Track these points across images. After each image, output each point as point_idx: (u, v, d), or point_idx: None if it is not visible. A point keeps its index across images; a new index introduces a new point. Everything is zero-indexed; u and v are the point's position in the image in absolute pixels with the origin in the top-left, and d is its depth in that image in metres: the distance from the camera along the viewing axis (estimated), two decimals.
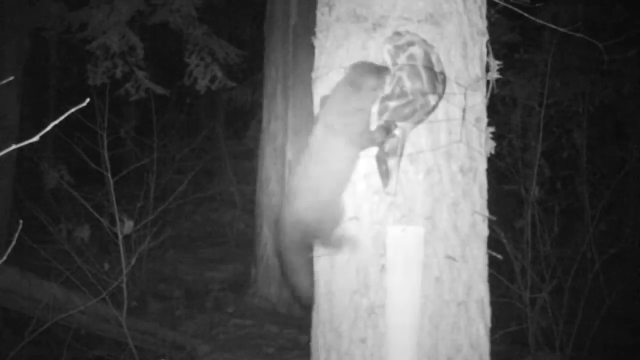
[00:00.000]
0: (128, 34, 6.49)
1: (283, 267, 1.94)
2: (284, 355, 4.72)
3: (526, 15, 2.28)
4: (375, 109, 1.82)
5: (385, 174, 1.80)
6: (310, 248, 1.91)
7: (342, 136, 1.78)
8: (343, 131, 1.78)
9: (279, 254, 1.93)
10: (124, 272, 3.91)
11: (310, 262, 1.94)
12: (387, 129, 1.78)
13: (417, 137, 1.82)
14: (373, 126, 1.80)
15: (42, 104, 9.47)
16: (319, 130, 1.82)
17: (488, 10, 2.01)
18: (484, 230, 1.92)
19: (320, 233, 1.84)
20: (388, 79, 1.78)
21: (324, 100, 1.87)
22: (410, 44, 1.80)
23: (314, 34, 2.03)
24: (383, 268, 1.81)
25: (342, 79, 1.82)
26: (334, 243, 1.85)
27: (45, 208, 5.99)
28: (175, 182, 7.03)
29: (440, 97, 1.80)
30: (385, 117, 1.80)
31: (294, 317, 5.30)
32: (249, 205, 7.32)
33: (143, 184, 5.89)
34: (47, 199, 6.86)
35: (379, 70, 1.78)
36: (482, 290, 1.90)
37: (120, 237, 4.06)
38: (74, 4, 6.64)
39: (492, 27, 2.03)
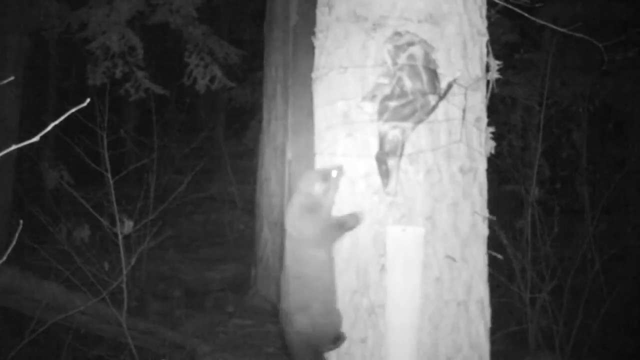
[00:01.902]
0: (128, 34, 6.49)
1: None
2: (284, 355, 4.72)
3: (526, 15, 2.28)
4: (374, 109, 1.82)
5: (385, 174, 1.80)
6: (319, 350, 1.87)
7: (305, 243, 1.81)
8: (305, 238, 1.82)
9: (293, 350, 1.89)
10: (124, 272, 3.91)
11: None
12: (356, 216, 1.80)
13: (417, 137, 1.82)
14: (342, 212, 1.82)
15: (42, 104, 9.47)
16: (287, 245, 1.86)
17: (488, 10, 2.01)
18: (484, 230, 1.92)
19: (322, 341, 1.82)
20: (339, 178, 1.82)
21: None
22: (410, 44, 1.80)
23: (314, 34, 2.03)
24: (383, 268, 1.81)
25: (295, 191, 1.86)
26: (337, 343, 1.84)
27: (45, 208, 5.99)
28: (175, 182, 7.03)
29: (440, 97, 1.80)
30: (385, 117, 1.80)
31: None
32: (249, 205, 7.32)
33: (143, 184, 5.89)
34: (47, 199, 6.86)
35: (325, 175, 1.82)
36: (482, 290, 1.90)
37: (120, 237, 4.06)
38: (74, 4, 6.64)
39: (492, 27, 2.03)
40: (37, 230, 5.27)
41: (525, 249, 4.59)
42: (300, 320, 1.81)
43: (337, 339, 1.82)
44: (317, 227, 1.81)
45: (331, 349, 1.85)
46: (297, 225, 1.84)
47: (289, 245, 1.86)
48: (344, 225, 1.81)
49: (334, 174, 1.82)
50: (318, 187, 1.81)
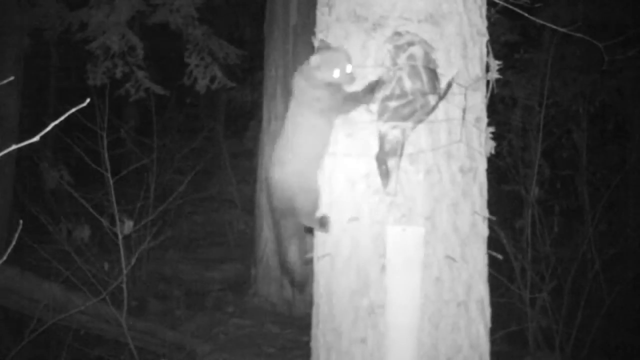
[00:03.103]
0: (128, 34, 6.49)
1: (276, 239, 2.00)
2: (284, 355, 4.72)
3: (526, 15, 2.28)
4: (374, 109, 1.82)
5: (385, 174, 1.80)
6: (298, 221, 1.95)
7: (309, 108, 1.85)
8: (310, 104, 1.84)
9: (273, 221, 2.00)
10: (124, 272, 3.91)
11: (300, 230, 1.97)
12: (372, 86, 1.81)
13: (417, 137, 1.82)
14: (357, 87, 1.83)
15: (42, 104, 9.47)
16: (292, 102, 1.90)
17: (488, 10, 2.01)
18: (484, 230, 1.92)
19: (302, 204, 1.88)
20: (349, 66, 1.82)
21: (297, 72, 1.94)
22: (410, 44, 1.80)
23: (314, 34, 2.03)
24: (383, 268, 1.81)
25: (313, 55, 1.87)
26: (316, 221, 1.89)
27: (45, 208, 5.99)
28: (175, 182, 7.02)
29: (440, 97, 1.80)
30: (385, 117, 1.80)
31: (294, 317, 5.29)
32: (249, 205, 7.31)
33: (143, 184, 5.89)
34: (47, 199, 6.86)
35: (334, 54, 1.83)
36: (482, 290, 1.90)
37: (120, 237, 4.05)
38: (74, 4, 6.63)
39: (492, 27, 2.03)
40: (37, 230, 5.27)
41: (525, 249, 4.59)
42: (275, 173, 1.88)
43: (321, 221, 1.87)
44: (325, 99, 1.83)
45: (311, 223, 1.90)
46: (306, 91, 1.86)
47: (293, 107, 1.89)
48: (359, 98, 1.82)
49: (349, 68, 1.81)
50: (316, 61, 1.82)
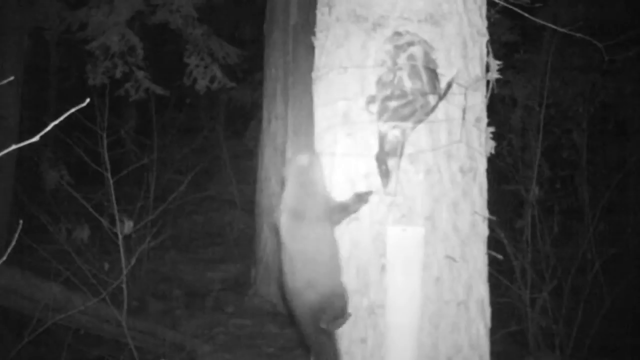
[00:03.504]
0: (128, 34, 6.49)
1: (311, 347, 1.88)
2: (284, 355, 4.72)
3: (526, 15, 2.28)
4: (374, 109, 1.82)
5: (385, 174, 1.80)
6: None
7: (306, 221, 1.81)
8: (304, 216, 1.81)
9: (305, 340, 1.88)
10: (124, 272, 3.90)
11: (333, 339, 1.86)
12: (361, 197, 1.80)
13: (417, 137, 1.82)
14: (346, 196, 1.82)
15: (42, 104, 9.46)
16: (284, 224, 1.84)
17: (488, 10, 2.01)
18: (484, 230, 1.92)
19: (330, 313, 1.80)
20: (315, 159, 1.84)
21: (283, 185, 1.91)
22: (410, 44, 1.80)
23: (314, 34, 2.03)
24: (383, 268, 1.81)
25: (287, 182, 1.87)
26: (343, 319, 1.82)
27: (45, 208, 5.99)
28: (175, 182, 7.02)
29: (440, 97, 1.80)
30: (385, 117, 1.80)
31: None
32: (249, 205, 7.30)
33: (143, 184, 5.89)
34: (47, 199, 6.85)
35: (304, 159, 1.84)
36: (482, 290, 1.90)
37: (120, 237, 4.05)
38: (74, 4, 6.63)
39: (492, 27, 2.03)
40: (37, 230, 5.27)
41: (525, 249, 4.59)
42: (309, 296, 1.78)
43: (344, 312, 1.81)
44: (316, 206, 1.81)
45: (341, 324, 1.82)
46: (296, 204, 1.84)
47: (287, 224, 1.84)
48: (348, 208, 1.81)
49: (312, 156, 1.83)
50: (305, 160, 1.84)
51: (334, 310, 1.79)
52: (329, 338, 1.83)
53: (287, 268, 1.83)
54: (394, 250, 1.78)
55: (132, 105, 8.58)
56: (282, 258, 1.85)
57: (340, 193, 1.88)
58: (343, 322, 1.82)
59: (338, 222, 1.82)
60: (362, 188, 1.85)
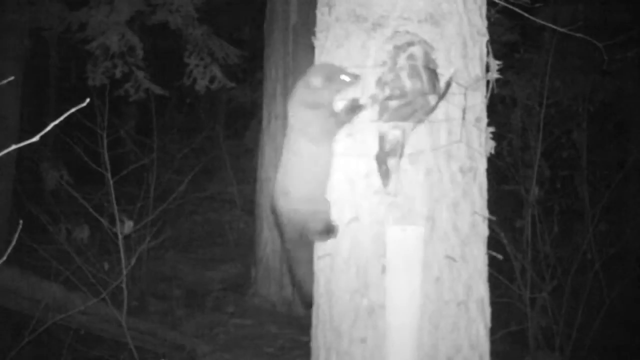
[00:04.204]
0: (128, 34, 6.48)
1: (289, 265, 2.03)
2: (284, 355, 4.72)
3: (526, 15, 2.28)
4: (375, 109, 1.82)
5: (385, 174, 1.80)
6: (310, 242, 1.95)
7: (304, 135, 1.85)
8: (303, 130, 1.85)
9: (284, 252, 2.02)
10: (124, 272, 3.91)
11: (311, 253, 1.98)
12: (352, 108, 1.82)
13: (417, 137, 1.82)
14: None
15: (42, 104, 9.46)
16: (287, 131, 1.91)
17: (488, 10, 2.01)
18: (484, 230, 1.92)
19: (313, 225, 1.89)
20: (345, 80, 1.82)
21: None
22: (410, 44, 1.80)
23: (314, 34, 2.03)
24: (383, 268, 1.81)
25: (299, 80, 1.89)
26: (325, 233, 1.89)
27: (45, 208, 5.99)
28: (175, 182, 7.02)
29: (440, 97, 1.80)
30: (385, 117, 1.80)
31: (294, 317, 5.29)
32: (249, 205, 7.31)
33: (143, 184, 5.89)
34: (47, 199, 6.85)
35: (331, 72, 1.83)
36: (482, 290, 1.90)
37: (120, 237, 4.05)
38: (74, 4, 6.62)
39: (492, 27, 2.03)
40: (37, 230, 5.27)
41: (525, 249, 4.59)
42: (282, 204, 1.90)
43: (328, 230, 1.87)
44: (315, 122, 1.85)
45: (323, 239, 1.90)
46: (295, 116, 1.88)
47: (288, 134, 1.90)
48: (340, 121, 1.84)
49: (344, 77, 1.82)
50: (317, 81, 1.83)
51: (312, 224, 1.88)
52: (307, 249, 1.94)
53: (282, 170, 1.92)
54: (394, 250, 1.78)
55: (132, 105, 8.57)
56: (280, 165, 1.93)
57: (340, 193, 1.88)
58: (328, 235, 1.89)
59: (333, 134, 1.86)
60: (362, 188, 1.85)
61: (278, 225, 1.97)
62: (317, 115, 1.84)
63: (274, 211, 1.97)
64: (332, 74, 1.83)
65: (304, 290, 2.02)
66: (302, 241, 1.94)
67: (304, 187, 1.88)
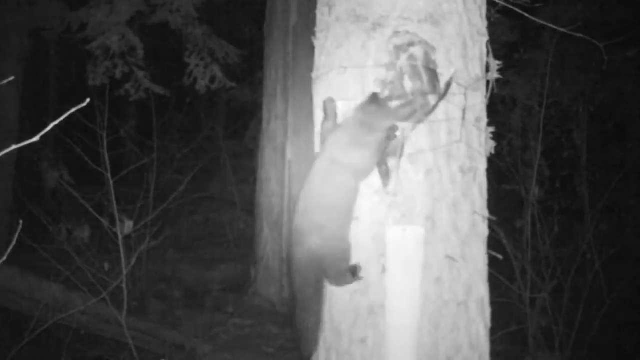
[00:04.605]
0: (128, 34, 6.49)
1: (295, 314, 1.85)
2: (284, 355, 4.72)
3: (526, 15, 2.28)
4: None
5: (385, 174, 1.80)
6: (323, 285, 1.84)
7: (347, 170, 1.77)
8: (349, 166, 1.77)
9: (291, 301, 1.86)
10: (124, 272, 3.90)
11: (320, 303, 1.86)
12: (390, 134, 1.78)
13: (417, 137, 1.83)
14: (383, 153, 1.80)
15: (42, 104, 9.46)
16: (323, 164, 1.80)
17: (488, 10, 2.01)
18: (484, 230, 1.92)
19: (332, 269, 1.79)
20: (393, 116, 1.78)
21: (328, 132, 1.84)
22: (411, 44, 1.80)
23: (314, 34, 2.03)
24: (383, 268, 1.81)
25: (352, 117, 1.80)
26: (345, 278, 1.81)
27: (45, 208, 5.99)
28: (175, 182, 7.02)
29: (440, 97, 1.80)
30: None
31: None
32: (249, 205, 7.31)
33: (143, 184, 5.89)
34: (47, 199, 6.86)
35: (389, 112, 1.77)
36: (482, 290, 1.90)
37: (120, 237, 4.05)
38: (74, 4, 6.63)
39: (492, 27, 2.03)
40: (37, 230, 5.27)
41: (525, 249, 4.59)
42: (314, 240, 1.76)
43: (351, 271, 1.79)
44: (364, 160, 1.78)
45: (345, 281, 1.81)
46: (345, 152, 1.78)
47: (326, 165, 1.79)
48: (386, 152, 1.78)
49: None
50: (385, 123, 1.76)
51: (335, 263, 1.78)
52: (318, 297, 1.82)
53: (301, 206, 1.80)
54: (394, 250, 1.78)
55: (132, 105, 8.58)
56: (299, 196, 1.82)
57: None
58: (352, 279, 1.81)
59: (366, 176, 1.81)
60: (362, 188, 1.85)
61: (292, 269, 1.82)
62: (367, 153, 1.78)
63: (289, 253, 1.84)
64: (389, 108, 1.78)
65: (308, 340, 1.86)
66: (317, 287, 1.82)
67: (338, 222, 1.79)
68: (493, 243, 2.02)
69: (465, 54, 1.88)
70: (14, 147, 1.45)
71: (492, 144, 1.98)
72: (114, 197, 4.17)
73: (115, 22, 6.34)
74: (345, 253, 1.79)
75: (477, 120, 1.91)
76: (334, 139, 1.81)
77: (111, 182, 4.17)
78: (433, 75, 1.79)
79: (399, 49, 1.80)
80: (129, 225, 4.50)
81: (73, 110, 1.41)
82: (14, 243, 1.72)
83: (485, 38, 1.95)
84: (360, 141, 1.77)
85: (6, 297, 4.47)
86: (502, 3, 2.14)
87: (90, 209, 4.43)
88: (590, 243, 4.78)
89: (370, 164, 1.80)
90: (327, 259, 1.77)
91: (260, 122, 6.09)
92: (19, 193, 6.36)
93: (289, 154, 5.57)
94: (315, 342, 1.85)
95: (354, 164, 1.78)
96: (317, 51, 2.01)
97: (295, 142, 5.55)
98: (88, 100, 1.53)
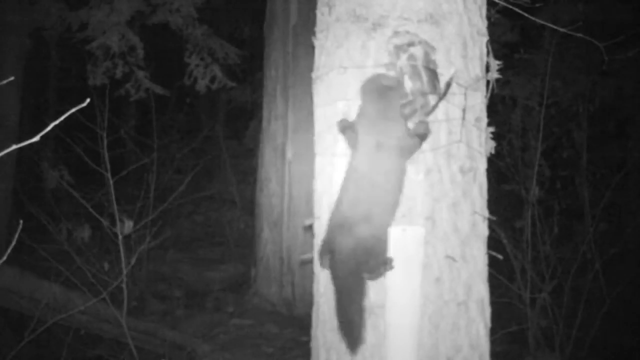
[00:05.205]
0: (128, 34, 6.49)
1: (340, 300, 1.78)
2: (284, 355, 4.72)
3: (526, 15, 2.28)
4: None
5: None
6: (363, 277, 1.77)
7: (394, 150, 1.74)
8: (395, 144, 1.74)
9: (335, 289, 1.78)
10: (124, 272, 3.91)
11: (364, 293, 1.80)
12: (425, 125, 1.77)
13: None
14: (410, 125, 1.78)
15: (42, 104, 9.47)
16: (363, 155, 1.75)
17: (488, 10, 2.01)
18: (484, 230, 1.92)
19: (376, 259, 1.75)
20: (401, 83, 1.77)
21: (348, 126, 1.81)
22: (411, 44, 1.80)
23: (314, 34, 2.03)
24: None
25: (363, 101, 1.78)
26: (381, 269, 1.77)
27: (45, 208, 6.00)
28: (175, 182, 7.03)
29: (440, 97, 1.80)
30: None
31: (294, 317, 5.30)
32: (249, 205, 7.32)
33: (143, 184, 5.89)
34: (47, 199, 6.86)
35: (390, 79, 1.77)
36: (482, 290, 1.90)
37: (120, 237, 4.05)
38: (74, 4, 6.63)
39: (492, 27, 2.03)
40: (37, 230, 5.27)
41: (525, 249, 4.59)
42: (363, 230, 1.71)
43: (388, 262, 1.75)
44: (406, 136, 1.75)
45: (380, 275, 1.76)
46: (386, 132, 1.74)
47: (370, 151, 1.74)
48: (422, 137, 1.76)
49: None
50: (391, 81, 1.74)
51: (377, 255, 1.74)
52: (361, 288, 1.76)
53: (349, 196, 1.74)
54: (394, 250, 1.78)
55: (132, 105, 8.58)
56: (344, 185, 1.76)
57: None
58: (384, 271, 1.76)
59: (412, 152, 1.77)
60: None
61: (335, 259, 1.74)
62: (402, 124, 1.74)
63: (330, 244, 1.75)
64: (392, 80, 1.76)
65: (353, 333, 1.78)
66: (359, 278, 1.75)
67: (388, 211, 1.74)
68: (493, 243, 2.02)
69: (465, 54, 1.88)
70: (14, 147, 1.45)
71: (492, 144, 1.98)
72: (114, 197, 4.17)
73: (115, 22, 6.34)
74: (387, 243, 1.76)
75: (477, 120, 1.91)
76: (362, 128, 1.76)
77: (111, 182, 4.17)
78: (433, 75, 1.79)
79: (399, 49, 1.80)
80: (129, 225, 4.51)
81: (73, 110, 1.41)
82: (14, 243, 1.72)
83: (485, 38, 1.95)
84: (388, 114, 1.74)
85: (6, 297, 4.47)
86: (502, 3, 2.14)
87: (90, 209, 4.43)
88: (590, 243, 4.78)
89: (411, 136, 1.75)
90: (375, 248, 1.73)
91: (260, 122, 6.09)
92: (19, 193, 6.37)
93: (289, 154, 5.57)
94: (360, 334, 1.78)
95: (398, 141, 1.73)
96: (317, 51, 2.01)
97: (295, 142, 5.55)
98: (88, 100, 1.54)
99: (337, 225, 1.75)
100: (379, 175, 1.74)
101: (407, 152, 1.77)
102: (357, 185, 1.74)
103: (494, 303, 1.95)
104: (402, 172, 1.77)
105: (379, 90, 1.76)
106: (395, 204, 1.76)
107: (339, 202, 1.76)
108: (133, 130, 9.22)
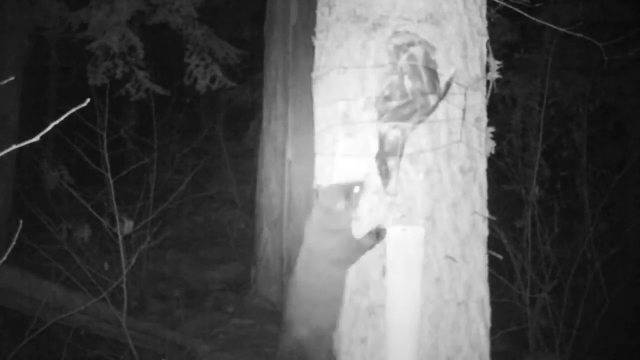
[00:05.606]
0: (128, 34, 6.49)
1: None
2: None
3: (526, 15, 2.28)
4: (377, 113, 1.81)
5: (385, 174, 1.80)
6: None
7: (324, 260, 1.78)
8: (324, 255, 1.78)
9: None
10: (124, 272, 3.90)
11: None
12: (377, 233, 1.78)
13: (417, 137, 1.82)
14: (361, 233, 1.80)
15: (42, 104, 9.46)
16: (302, 256, 1.83)
17: (488, 10, 2.01)
18: (484, 230, 1.92)
19: (317, 357, 1.79)
20: (359, 195, 1.79)
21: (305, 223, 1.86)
22: (411, 44, 1.80)
23: (314, 34, 2.03)
24: (383, 268, 1.81)
25: (315, 204, 1.82)
26: None
27: (45, 208, 5.99)
28: (175, 182, 7.03)
29: (440, 97, 1.80)
30: (385, 117, 1.80)
31: None
32: (249, 205, 7.32)
33: (143, 184, 5.89)
34: (47, 199, 6.86)
35: (348, 190, 1.78)
36: (482, 290, 1.90)
37: (120, 237, 4.05)
38: (74, 4, 6.63)
39: (492, 27, 2.03)
40: (37, 230, 5.27)
41: (525, 249, 4.59)
42: (301, 330, 1.79)
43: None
44: (337, 248, 1.78)
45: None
46: (317, 241, 1.81)
47: (304, 256, 1.82)
48: (363, 247, 1.79)
49: (356, 190, 1.78)
50: (340, 205, 1.77)
51: (318, 351, 1.78)
52: None
53: (290, 299, 1.84)
54: (394, 250, 1.78)
55: (132, 105, 8.58)
56: (288, 288, 1.85)
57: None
58: None
59: (352, 261, 1.81)
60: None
61: (277, 356, 1.83)
62: (340, 241, 1.78)
63: (278, 341, 1.84)
64: (348, 191, 1.77)
65: None
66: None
67: (325, 313, 1.80)
68: (493, 243, 2.02)
69: (465, 54, 1.88)
70: (14, 147, 1.45)
71: (492, 144, 1.98)
72: (114, 197, 4.17)
73: (115, 22, 6.34)
74: (332, 341, 1.80)
75: (477, 120, 1.91)
76: (306, 230, 1.82)
77: (111, 182, 4.17)
78: (433, 75, 1.79)
79: (399, 49, 1.80)
80: (129, 225, 4.50)
81: (73, 110, 1.41)
82: (14, 243, 1.72)
83: (485, 38, 1.95)
84: (327, 228, 1.78)
85: (6, 297, 4.47)
86: (502, 3, 2.14)
87: (90, 209, 4.43)
88: (590, 243, 4.78)
89: (349, 251, 1.78)
90: (312, 349, 1.77)
91: (260, 122, 6.09)
92: (19, 193, 6.37)
93: (289, 154, 5.57)
94: None
95: (330, 253, 1.78)
96: (317, 51, 2.01)
97: (295, 142, 5.54)
98: (88, 100, 1.53)
99: (282, 324, 1.82)
100: (312, 279, 1.79)
101: (342, 265, 1.79)
102: (296, 288, 1.82)
103: (494, 303, 1.95)
104: (338, 280, 1.80)
105: (327, 205, 1.79)
106: (332, 308, 1.80)
107: (287, 303, 1.83)
108: (133, 130, 9.21)
